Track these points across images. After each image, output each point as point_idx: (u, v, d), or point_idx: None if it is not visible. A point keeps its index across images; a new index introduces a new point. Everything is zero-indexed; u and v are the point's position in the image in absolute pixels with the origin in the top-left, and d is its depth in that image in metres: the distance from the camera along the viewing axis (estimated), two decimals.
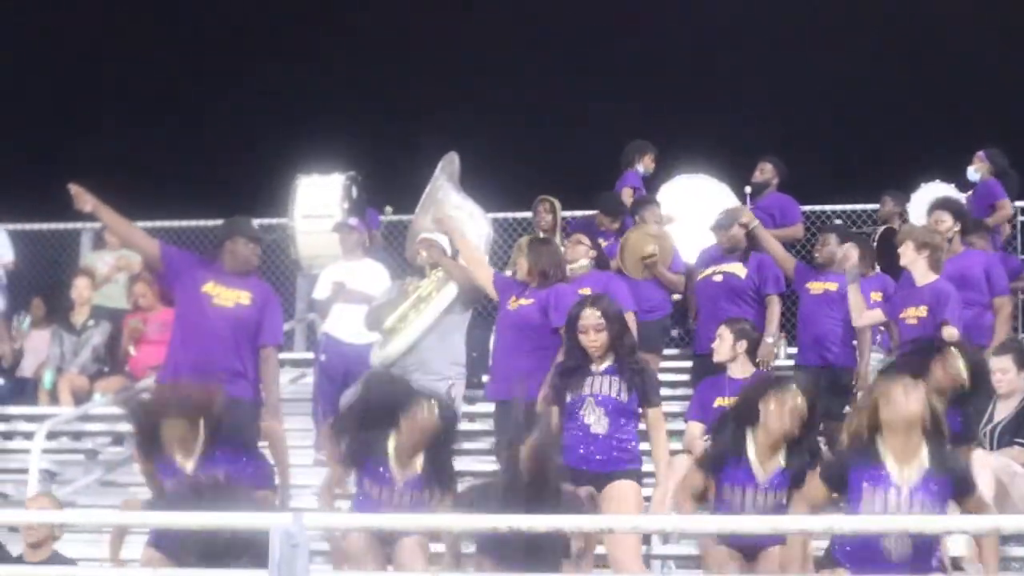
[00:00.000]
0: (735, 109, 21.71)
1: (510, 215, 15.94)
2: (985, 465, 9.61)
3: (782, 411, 8.68)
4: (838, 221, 14.95)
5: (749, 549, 8.83)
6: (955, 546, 8.80)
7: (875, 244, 13.24)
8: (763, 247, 12.35)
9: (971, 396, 9.47)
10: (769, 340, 11.84)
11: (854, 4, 22.30)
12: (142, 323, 13.91)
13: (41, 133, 22.43)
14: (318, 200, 14.09)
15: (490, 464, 12.14)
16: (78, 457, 13.44)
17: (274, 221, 14.72)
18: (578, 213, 15.43)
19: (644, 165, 15.05)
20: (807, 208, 15.23)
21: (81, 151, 19.66)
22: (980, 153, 14.61)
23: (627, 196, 14.45)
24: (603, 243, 12.72)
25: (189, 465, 8.79)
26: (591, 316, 9.24)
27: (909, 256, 10.70)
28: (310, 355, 14.11)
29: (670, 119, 19.37)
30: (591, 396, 9.17)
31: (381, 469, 8.98)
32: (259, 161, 19.76)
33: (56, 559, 9.50)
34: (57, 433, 13.16)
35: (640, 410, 9.26)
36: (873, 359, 12.11)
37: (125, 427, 13.28)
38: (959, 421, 9.29)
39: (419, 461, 9.00)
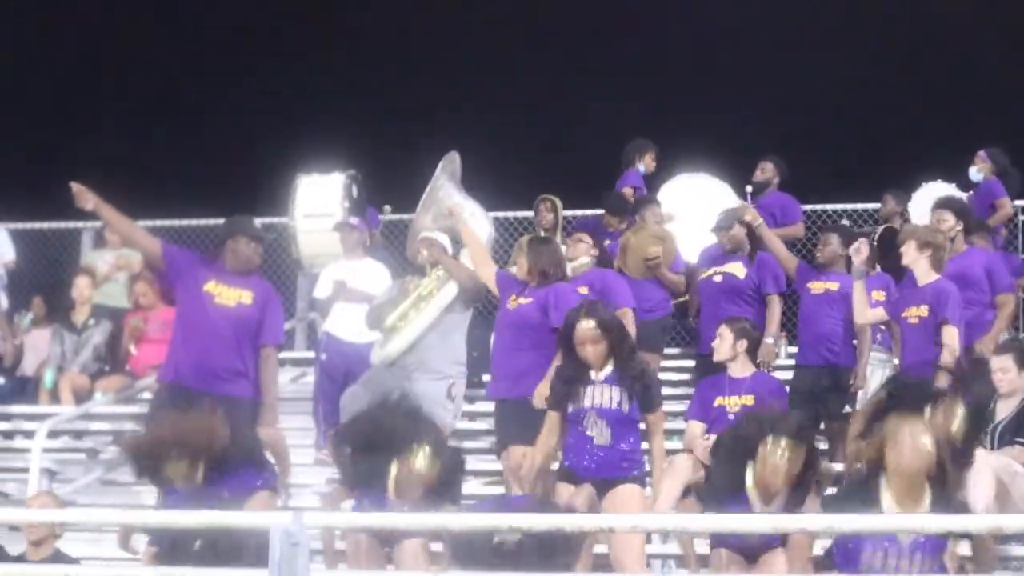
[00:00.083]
0: (736, 108, 21.71)
1: (511, 214, 15.97)
2: (986, 464, 9.63)
3: (775, 470, 8.63)
4: (845, 221, 14.93)
5: (750, 551, 8.83)
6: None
7: (875, 243, 13.24)
8: (766, 246, 12.35)
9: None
10: (769, 341, 11.84)
11: (854, 4, 22.31)
12: (143, 322, 13.91)
13: (42, 132, 22.43)
14: (319, 199, 14.08)
15: (490, 464, 12.16)
16: (79, 456, 13.43)
17: (275, 220, 14.71)
18: (579, 212, 15.45)
19: (645, 164, 15.06)
20: (808, 207, 15.25)
21: (81, 150, 19.66)
22: (981, 153, 14.60)
23: (627, 196, 14.45)
24: (609, 243, 12.74)
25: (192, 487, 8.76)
26: (586, 329, 9.25)
27: (911, 255, 10.69)
28: (311, 354, 14.11)
29: (671, 118, 19.39)
30: (592, 409, 9.23)
31: (382, 496, 8.97)
32: (259, 160, 19.77)
33: (58, 557, 9.50)
34: (58, 432, 13.15)
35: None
36: (873, 358, 12.12)
37: (126, 426, 13.30)
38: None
39: (419, 493, 8.97)
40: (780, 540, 8.77)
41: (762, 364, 11.20)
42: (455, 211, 11.33)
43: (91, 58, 23.18)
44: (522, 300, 10.65)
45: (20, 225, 16.40)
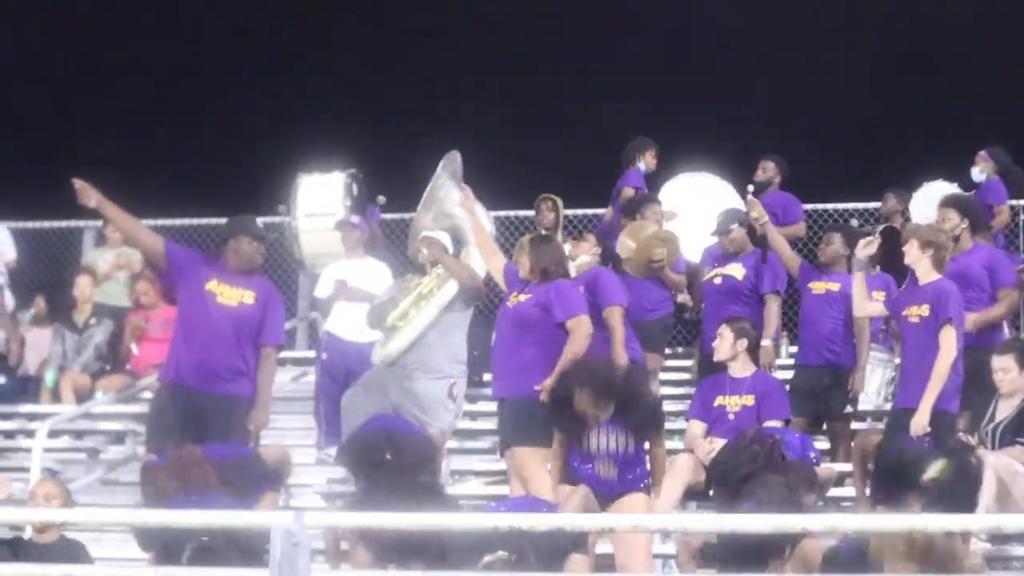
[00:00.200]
0: (736, 108, 21.70)
1: (512, 213, 15.97)
2: (987, 464, 9.64)
3: None
4: (855, 221, 14.91)
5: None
6: None
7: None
8: (770, 244, 12.36)
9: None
10: (766, 343, 11.83)
11: (854, 3, 22.30)
12: (144, 321, 13.92)
13: (42, 131, 22.41)
14: (320, 198, 14.07)
15: (491, 464, 12.18)
16: (80, 456, 13.44)
17: (275, 219, 14.71)
18: (580, 211, 15.47)
19: (646, 162, 15.05)
20: (809, 207, 15.24)
21: (82, 149, 19.63)
22: (982, 153, 14.59)
23: (627, 195, 14.45)
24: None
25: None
26: (586, 403, 9.29)
27: (913, 254, 10.67)
28: (312, 353, 14.11)
29: (672, 117, 19.38)
30: (598, 452, 9.33)
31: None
32: (259, 159, 19.76)
33: (63, 542, 9.53)
34: (59, 431, 13.17)
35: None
36: (873, 358, 12.11)
37: (127, 426, 13.32)
38: None
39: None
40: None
41: (762, 367, 11.20)
42: (468, 204, 11.32)
43: (91, 58, 23.15)
44: (521, 297, 10.66)
45: (21, 224, 16.40)
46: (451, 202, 11.65)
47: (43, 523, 9.46)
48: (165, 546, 8.29)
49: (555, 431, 9.58)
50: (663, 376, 13.39)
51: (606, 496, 9.31)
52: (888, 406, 11.57)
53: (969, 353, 10.54)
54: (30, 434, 12.84)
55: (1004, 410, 10.22)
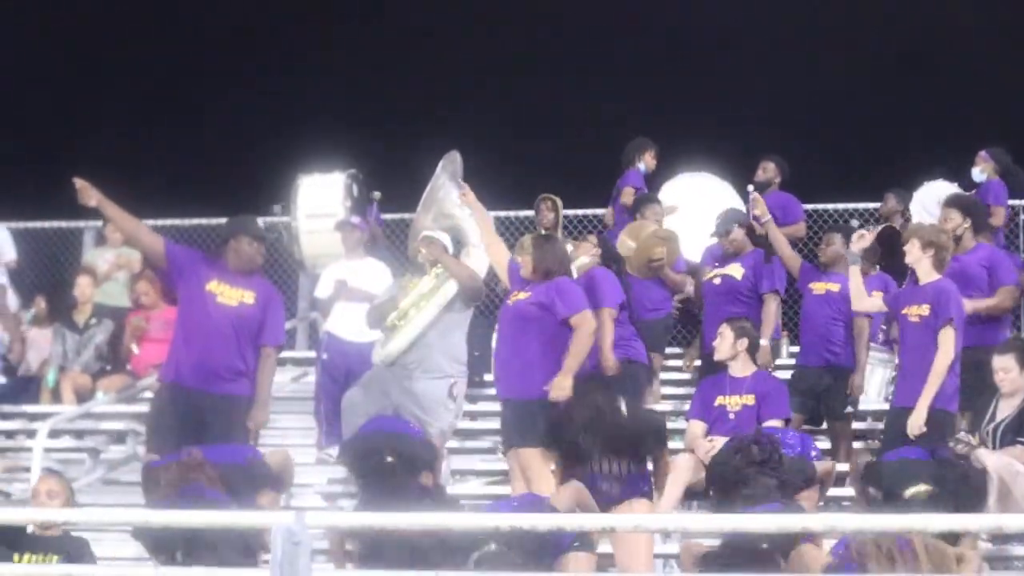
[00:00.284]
0: (736, 108, 21.71)
1: (512, 213, 15.98)
2: (988, 464, 9.64)
3: None
4: (855, 221, 14.90)
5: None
6: None
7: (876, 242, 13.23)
8: (772, 244, 12.37)
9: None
10: (763, 343, 11.82)
11: (854, 3, 22.31)
12: (145, 321, 13.92)
13: (42, 132, 22.41)
14: (320, 199, 14.08)
15: (492, 464, 12.18)
16: (81, 456, 13.44)
17: (276, 219, 14.72)
18: (580, 211, 15.47)
19: (645, 163, 15.06)
20: (809, 207, 15.25)
21: (82, 150, 19.65)
22: (983, 153, 14.58)
23: (628, 195, 14.46)
24: None
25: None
26: (590, 444, 9.36)
27: (914, 254, 10.67)
28: (312, 354, 14.12)
29: (671, 117, 19.38)
30: (602, 478, 9.38)
31: None
32: (259, 159, 19.77)
33: (66, 537, 9.53)
34: (60, 432, 13.17)
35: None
36: (873, 358, 12.12)
37: (127, 426, 13.32)
38: None
39: None
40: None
41: (760, 367, 11.21)
42: (469, 199, 11.33)
43: (92, 58, 23.16)
44: (521, 295, 10.69)
45: (22, 224, 16.41)
46: (451, 202, 11.66)
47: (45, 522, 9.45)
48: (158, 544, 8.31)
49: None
50: (664, 376, 13.41)
51: (606, 503, 9.33)
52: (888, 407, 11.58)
53: (970, 353, 10.55)
54: (31, 434, 12.83)
55: (1005, 410, 10.21)
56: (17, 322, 14.74)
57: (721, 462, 9.59)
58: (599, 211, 15.74)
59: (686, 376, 13.59)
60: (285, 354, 13.46)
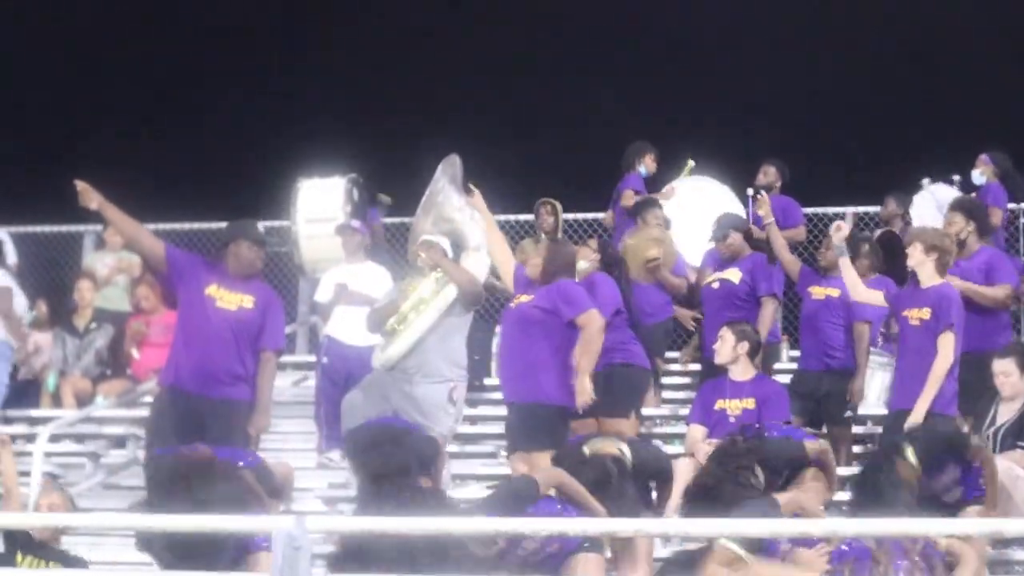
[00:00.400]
0: (736, 108, 21.72)
1: (511, 217, 15.97)
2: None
3: None
4: (848, 220, 14.89)
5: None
6: None
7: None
8: (772, 246, 12.37)
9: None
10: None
11: (854, 5, 22.30)
12: (145, 326, 13.91)
13: (43, 136, 22.41)
14: (320, 203, 14.07)
15: (493, 468, 12.17)
16: (81, 460, 13.44)
17: (276, 224, 14.72)
18: (579, 215, 15.47)
19: (646, 166, 15.05)
20: (809, 210, 15.24)
21: (83, 153, 19.65)
22: (983, 156, 14.60)
23: (629, 199, 14.45)
24: None
25: None
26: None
27: (917, 257, 10.66)
28: (312, 358, 14.12)
29: (672, 121, 19.39)
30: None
31: None
32: (259, 159, 19.78)
33: (66, 554, 9.51)
34: (60, 436, 13.17)
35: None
36: (874, 361, 12.11)
37: (128, 430, 13.32)
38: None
39: None
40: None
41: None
42: (477, 202, 11.34)
43: (93, 61, 23.17)
44: (523, 299, 10.71)
45: (22, 228, 16.40)
46: (450, 206, 11.64)
47: (44, 527, 9.43)
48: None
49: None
50: (664, 380, 13.42)
51: None
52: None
53: (970, 357, 10.55)
54: (31, 438, 12.83)
55: (1005, 414, 10.23)
56: (21, 324, 14.73)
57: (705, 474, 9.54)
58: (599, 215, 15.75)
59: (686, 380, 13.59)
60: (285, 358, 13.45)
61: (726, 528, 7.62)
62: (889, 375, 12.03)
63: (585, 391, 10.29)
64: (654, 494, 9.87)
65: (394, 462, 9.00)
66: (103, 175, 10.77)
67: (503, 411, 11.41)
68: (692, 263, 13.57)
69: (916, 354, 10.50)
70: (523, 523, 7.62)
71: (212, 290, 10.52)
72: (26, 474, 12.31)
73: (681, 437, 11.53)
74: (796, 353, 12.62)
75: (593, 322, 10.45)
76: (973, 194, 14.25)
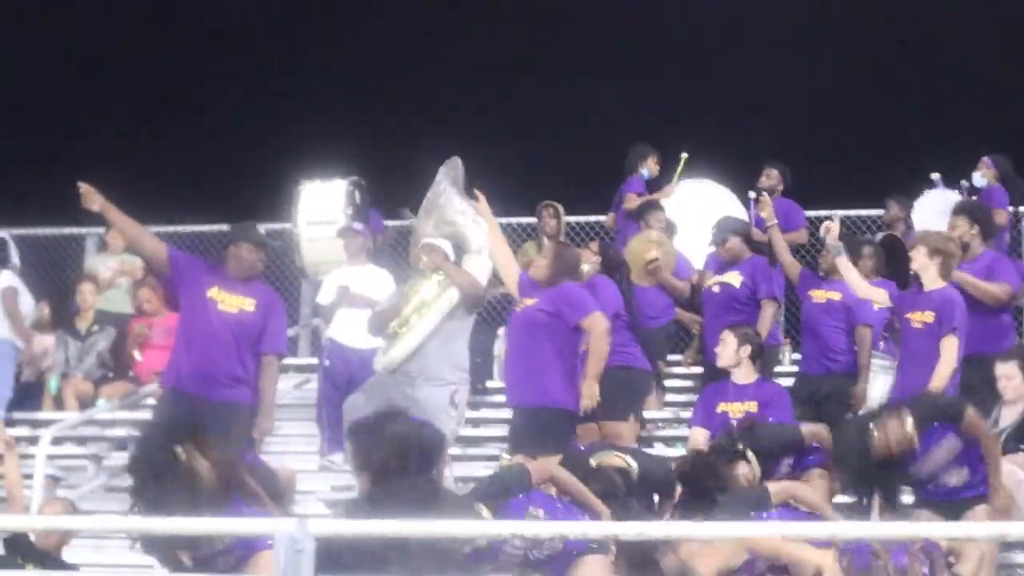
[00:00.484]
0: (736, 109, 21.72)
1: (514, 220, 15.96)
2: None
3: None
4: (834, 225, 14.86)
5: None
6: None
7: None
8: (773, 248, 12.37)
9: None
10: None
11: (855, 7, 22.30)
12: (147, 328, 13.91)
13: (43, 136, 22.41)
14: (322, 206, 14.07)
15: (495, 470, 12.16)
16: (83, 462, 13.44)
17: (278, 226, 14.71)
18: (582, 218, 15.47)
19: (648, 168, 15.05)
20: (811, 213, 15.23)
21: (84, 156, 19.63)
22: (985, 159, 14.59)
23: (632, 202, 14.46)
24: None
25: None
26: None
27: (921, 261, 10.67)
28: (315, 360, 14.10)
29: (672, 121, 19.39)
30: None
31: None
32: (259, 159, 19.78)
33: (66, 566, 9.54)
34: (62, 438, 13.16)
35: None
36: (875, 364, 12.11)
37: (130, 432, 13.31)
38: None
39: None
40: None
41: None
42: (482, 209, 11.34)
43: (94, 65, 23.17)
44: (528, 302, 10.73)
45: (24, 231, 16.39)
46: (452, 209, 11.65)
47: (46, 537, 9.45)
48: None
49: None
50: (667, 384, 13.42)
51: None
52: None
53: (973, 360, 10.56)
54: (33, 441, 12.84)
55: (1008, 417, 10.23)
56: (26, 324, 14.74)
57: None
58: (600, 217, 15.75)
59: (688, 383, 13.59)
60: (288, 361, 13.44)
61: (728, 531, 7.64)
62: (891, 378, 12.04)
63: (591, 397, 10.32)
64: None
65: (395, 447, 9.01)
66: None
67: (505, 414, 11.42)
68: (696, 266, 13.56)
69: (918, 357, 10.52)
70: (525, 527, 7.62)
71: (214, 293, 10.54)
72: (28, 477, 12.30)
73: (683, 440, 11.53)
74: (798, 356, 12.61)
75: (598, 325, 10.47)
76: (974, 197, 14.28)
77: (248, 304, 10.56)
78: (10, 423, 13.88)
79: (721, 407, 10.66)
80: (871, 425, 9.00)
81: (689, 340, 14.26)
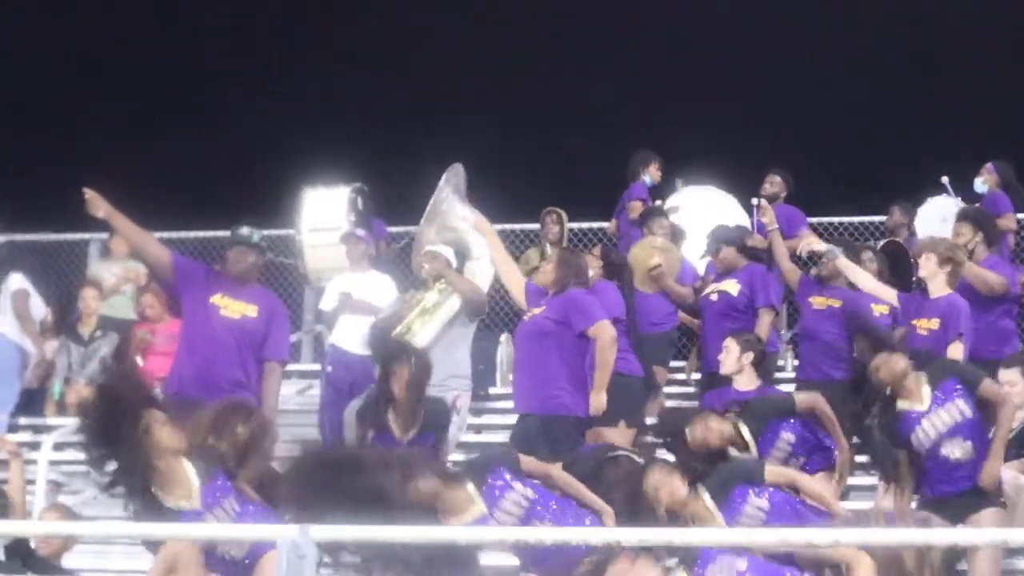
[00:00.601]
0: (736, 109, 21.72)
1: (517, 227, 15.96)
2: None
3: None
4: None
5: None
6: None
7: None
8: (773, 253, 12.37)
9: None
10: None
11: (855, 9, 22.31)
12: (150, 334, 13.89)
13: (43, 136, 22.41)
14: (325, 213, 14.08)
15: None
16: (85, 468, 13.42)
17: (280, 232, 14.72)
18: (585, 224, 15.47)
19: (650, 175, 15.04)
20: (814, 220, 15.24)
21: (84, 157, 19.64)
22: (988, 165, 14.59)
23: (636, 209, 14.45)
24: None
25: None
26: None
27: (930, 268, 10.66)
28: (317, 366, 14.09)
29: (672, 121, 19.40)
30: None
31: None
32: (260, 163, 19.78)
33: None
34: (64, 444, 13.16)
35: None
36: None
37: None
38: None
39: None
40: None
41: None
42: (482, 226, 11.36)
43: (92, 61, 23.16)
44: (536, 311, 10.75)
45: (27, 236, 16.39)
46: (454, 216, 11.67)
47: (47, 544, 9.46)
48: None
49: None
50: (667, 390, 13.41)
51: None
52: None
53: (977, 365, 10.55)
54: (35, 446, 12.85)
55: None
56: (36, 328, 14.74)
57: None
58: (603, 224, 15.74)
59: (689, 390, 13.58)
60: (290, 367, 13.40)
61: (727, 539, 7.65)
62: None
63: (599, 407, 10.32)
64: None
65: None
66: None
67: (508, 420, 11.42)
68: (701, 272, 13.56)
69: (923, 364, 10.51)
70: (529, 534, 7.63)
71: (217, 299, 10.57)
72: (31, 482, 12.32)
73: None
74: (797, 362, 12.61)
75: (604, 333, 10.48)
76: (976, 204, 14.28)
77: (251, 310, 10.58)
78: (12, 428, 13.91)
79: None
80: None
81: (692, 347, 14.27)
